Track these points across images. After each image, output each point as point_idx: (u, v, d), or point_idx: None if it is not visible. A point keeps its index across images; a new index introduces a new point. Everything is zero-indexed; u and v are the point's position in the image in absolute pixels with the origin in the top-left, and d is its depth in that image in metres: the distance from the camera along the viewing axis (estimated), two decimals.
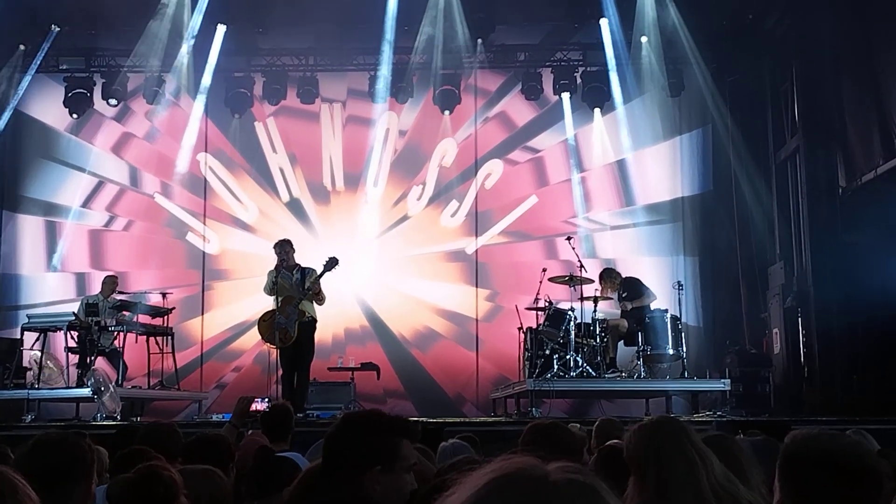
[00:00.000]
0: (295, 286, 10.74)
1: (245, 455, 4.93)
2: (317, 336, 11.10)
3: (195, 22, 13.64)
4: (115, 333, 11.86)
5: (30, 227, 14.70)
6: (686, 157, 14.40)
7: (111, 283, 12.46)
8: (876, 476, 2.18)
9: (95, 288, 12.89)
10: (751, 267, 13.52)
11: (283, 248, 10.95)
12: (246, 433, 6.14)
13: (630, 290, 11.64)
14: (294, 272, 10.85)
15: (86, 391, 10.87)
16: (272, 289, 10.75)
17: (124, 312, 12.04)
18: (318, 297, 10.78)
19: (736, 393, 11.54)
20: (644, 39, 13.75)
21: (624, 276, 11.98)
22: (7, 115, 14.12)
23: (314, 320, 10.84)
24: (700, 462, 2.75)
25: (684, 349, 11.38)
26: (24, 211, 14.69)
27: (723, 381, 11.17)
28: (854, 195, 11.74)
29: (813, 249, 12.25)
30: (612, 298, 11.63)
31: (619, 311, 11.66)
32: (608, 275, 11.82)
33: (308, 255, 11.56)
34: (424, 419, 10.43)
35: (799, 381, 12.11)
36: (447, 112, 14.44)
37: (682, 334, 11.42)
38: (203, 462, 4.00)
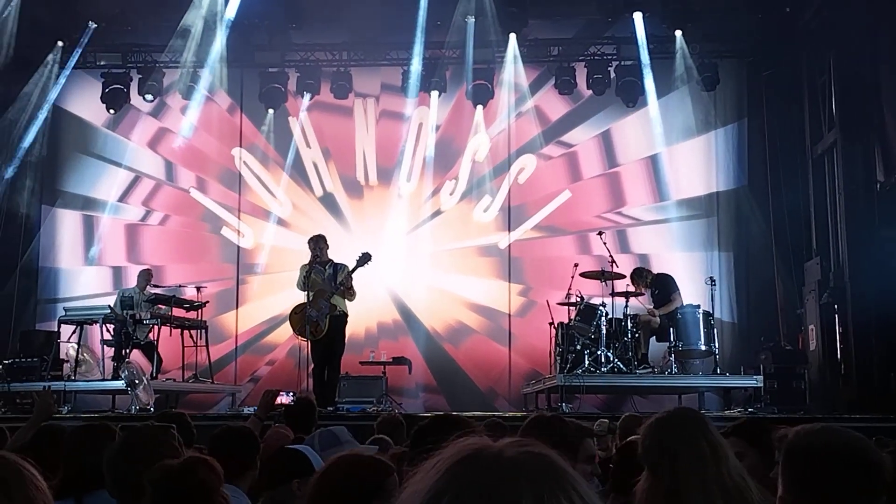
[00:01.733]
0: (327, 281, 10.78)
1: (269, 448, 4.95)
2: (349, 330, 11.16)
3: (229, 17, 13.73)
4: (150, 326, 11.99)
5: (68, 222, 14.91)
6: (721, 151, 14.26)
7: (146, 276, 12.60)
8: (878, 469, 2.16)
9: (132, 281, 13.03)
10: (786, 262, 13.37)
11: (318, 243, 10.99)
12: (273, 425, 6.18)
13: (661, 288, 11.56)
14: (327, 267, 10.89)
15: (120, 383, 11.02)
16: (304, 283, 10.79)
17: (159, 306, 12.17)
18: (349, 293, 10.81)
19: (770, 390, 11.41)
20: (678, 33, 13.64)
21: (655, 272, 11.91)
22: (46, 110, 14.32)
23: (345, 315, 10.89)
24: (712, 456, 2.73)
25: (717, 345, 11.30)
26: (62, 205, 14.90)
27: (755, 377, 11.06)
28: (892, 190, 11.57)
29: (850, 245, 12.08)
30: (639, 294, 11.57)
31: (650, 307, 11.60)
32: (638, 274, 11.76)
33: (341, 250, 11.63)
34: (453, 413, 10.44)
35: (835, 378, 11.96)
36: (480, 107, 14.43)
37: (715, 330, 11.35)
38: (229, 454, 4.03)
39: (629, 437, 4.46)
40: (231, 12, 13.66)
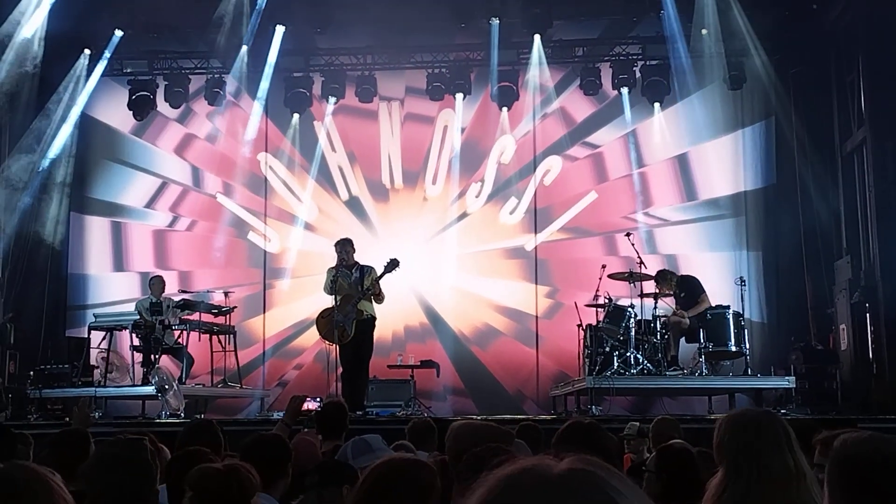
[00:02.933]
0: (354, 285, 10.79)
1: (296, 454, 4.95)
2: (377, 334, 11.16)
3: (254, 23, 13.78)
4: (181, 332, 12.05)
5: (96, 228, 15.01)
6: (748, 150, 14.15)
7: (160, 283, 12.66)
8: None
9: None
10: (816, 261, 13.23)
11: (344, 247, 11.00)
12: (301, 430, 6.19)
13: (686, 290, 11.45)
14: (353, 271, 10.89)
15: (150, 389, 11.08)
16: (331, 287, 10.80)
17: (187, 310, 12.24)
18: (378, 297, 10.82)
19: (802, 390, 11.33)
20: (704, 32, 13.54)
21: (680, 274, 11.80)
22: (74, 118, 14.43)
23: (373, 318, 10.89)
24: (795, 466, 2.73)
25: (747, 346, 11.19)
26: (90, 212, 15.00)
27: (787, 378, 10.94)
28: None
29: (881, 243, 11.95)
30: (669, 294, 11.48)
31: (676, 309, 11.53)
32: (663, 276, 11.64)
33: (367, 253, 11.63)
34: (483, 417, 10.42)
35: (867, 378, 11.82)
36: (505, 108, 14.39)
37: (745, 331, 11.23)
38: (261, 461, 4.03)
39: (665, 441, 4.42)
40: (256, 18, 13.70)
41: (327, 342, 10.99)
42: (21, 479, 1.98)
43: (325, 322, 10.84)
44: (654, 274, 11.55)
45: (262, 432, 4.72)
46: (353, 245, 11.08)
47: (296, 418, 6.23)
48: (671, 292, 11.53)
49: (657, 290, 11.48)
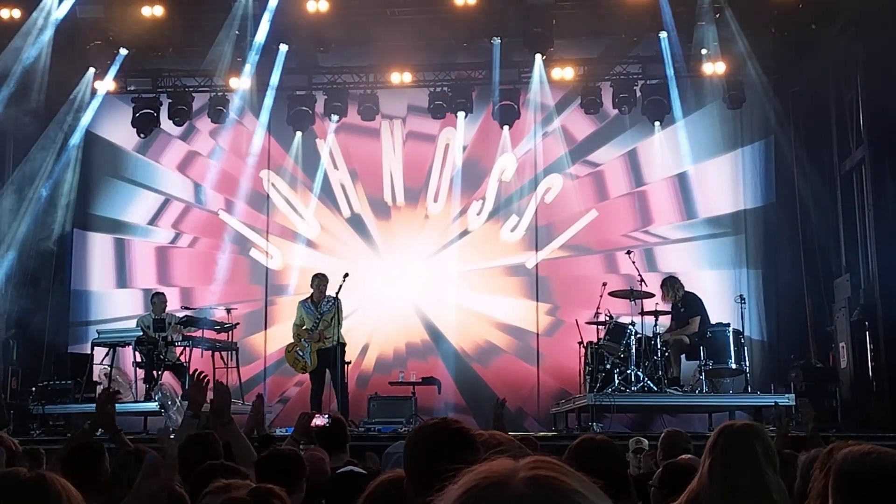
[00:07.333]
0: (313, 318, 11.76)
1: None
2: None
3: (258, 42, 13.88)
4: (183, 349, 12.09)
5: (99, 245, 15.05)
6: (748, 169, 14.25)
7: (162, 299, 12.71)
8: None
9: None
10: (816, 279, 13.30)
11: (321, 282, 11.88)
12: (310, 448, 6.23)
13: (686, 307, 11.50)
14: (319, 305, 11.79)
15: (153, 405, 11.12)
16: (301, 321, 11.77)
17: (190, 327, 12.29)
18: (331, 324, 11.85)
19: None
20: (704, 52, 13.66)
21: (687, 289, 11.84)
22: (79, 136, 14.52)
23: (336, 346, 11.70)
24: (760, 475, 2.79)
25: (747, 363, 11.25)
26: (93, 229, 15.05)
27: (787, 395, 10.99)
28: None
29: (880, 261, 12.01)
30: (669, 312, 11.51)
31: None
32: (671, 283, 11.67)
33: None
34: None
35: (867, 395, 11.87)
36: (506, 127, 14.47)
37: (745, 348, 11.31)
38: (275, 476, 4.07)
39: (675, 453, 4.47)
40: (259, 37, 13.80)
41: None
42: (46, 486, 2.02)
43: (291, 355, 11.87)
44: (655, 292, 11.58)
45: (277, 446, 4.77)
46: (327, 282, 11.88)
47: (304, 435, 6.27)
48: (671, 301, 11.55)
49: (660, 293, 11.50)
